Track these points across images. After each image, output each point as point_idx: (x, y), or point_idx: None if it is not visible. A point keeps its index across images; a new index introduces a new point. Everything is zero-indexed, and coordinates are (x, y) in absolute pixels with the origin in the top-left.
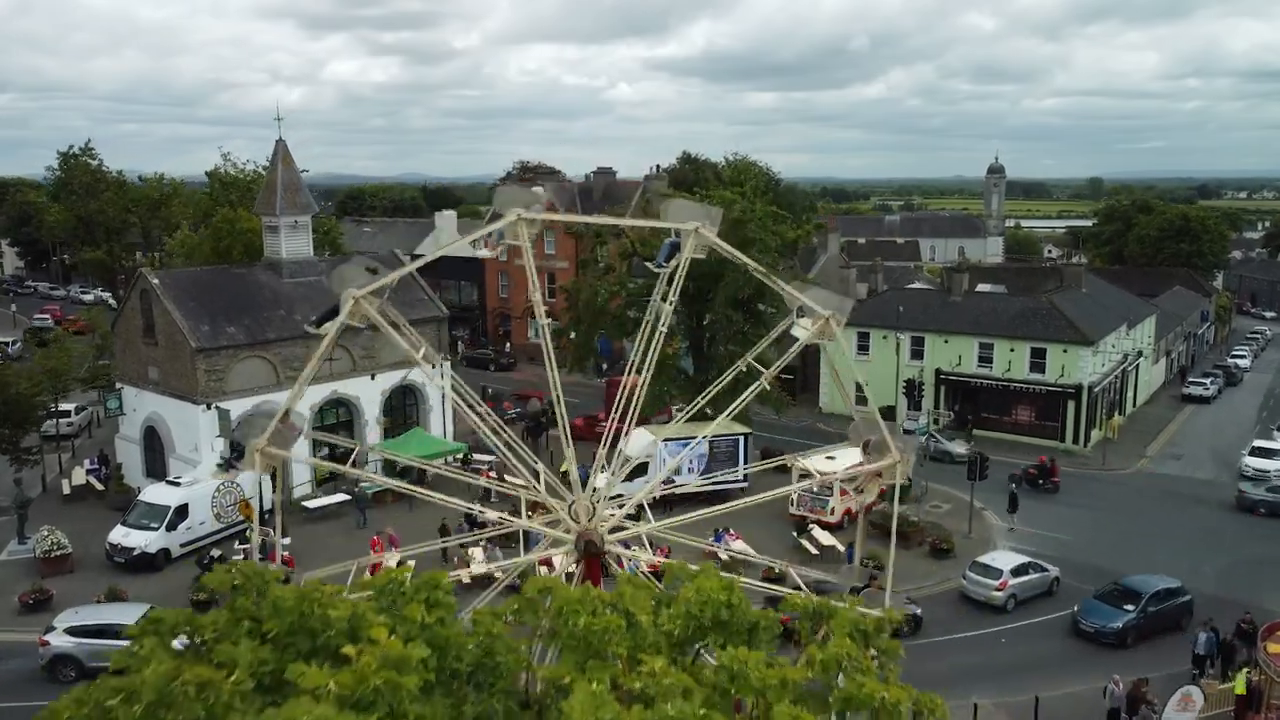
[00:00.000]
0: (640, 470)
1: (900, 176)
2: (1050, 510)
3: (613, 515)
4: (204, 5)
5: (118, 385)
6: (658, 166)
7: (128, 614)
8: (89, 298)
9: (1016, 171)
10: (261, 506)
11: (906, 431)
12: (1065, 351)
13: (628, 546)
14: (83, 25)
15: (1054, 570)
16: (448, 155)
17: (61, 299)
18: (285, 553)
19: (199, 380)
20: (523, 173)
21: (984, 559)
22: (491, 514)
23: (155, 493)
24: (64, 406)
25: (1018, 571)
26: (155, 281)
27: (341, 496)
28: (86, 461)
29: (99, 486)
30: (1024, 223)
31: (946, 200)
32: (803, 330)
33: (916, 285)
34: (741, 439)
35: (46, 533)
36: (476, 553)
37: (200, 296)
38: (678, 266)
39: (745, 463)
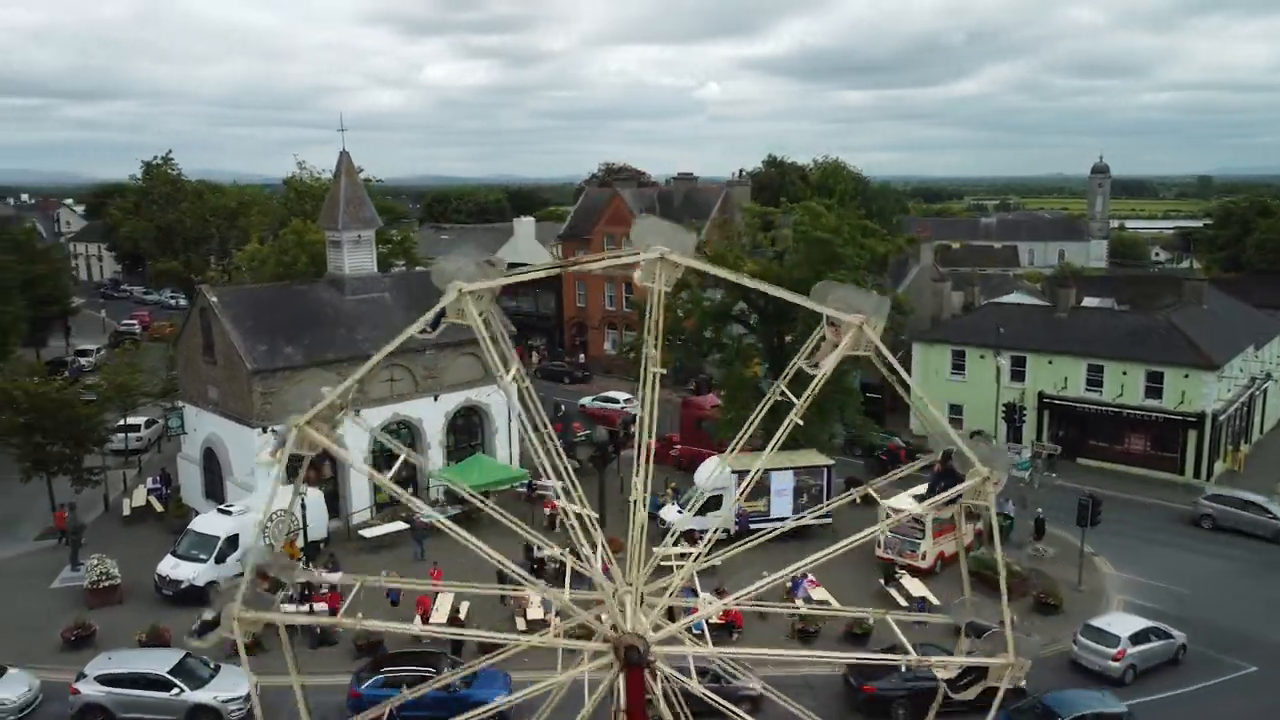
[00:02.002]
0: (713, 503)
1: (996, 175)
2: (1165, 556)
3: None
4: (308, 12)
5: (179, 403)
6: (741, 170)
7: (161, 662)
8: (178, 303)
9: (1120, 169)
10: (307, 538)
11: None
12: (1186, 376)
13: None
14: (196, 33)
15: (1180, 636)
16: (540, 156)
17: (153, 304)
18: (333, 589)
19: (254, 403)
20: (607, 174)
21: (1099, 622)
22: (552, 550)
23: (205, 522)
24: (133, 420)
25: (1138, 638)
26: (214, 299)
27: (400, 525)
28: (149, 480)
29: (159, 508)
30: (1128, 223)
31: (1045, 200)
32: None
33: (1015, 297)
34: (825, 471)
35: (96, 561)
36: (534, 595)
37: (259, 315)
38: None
39: (829, 496)
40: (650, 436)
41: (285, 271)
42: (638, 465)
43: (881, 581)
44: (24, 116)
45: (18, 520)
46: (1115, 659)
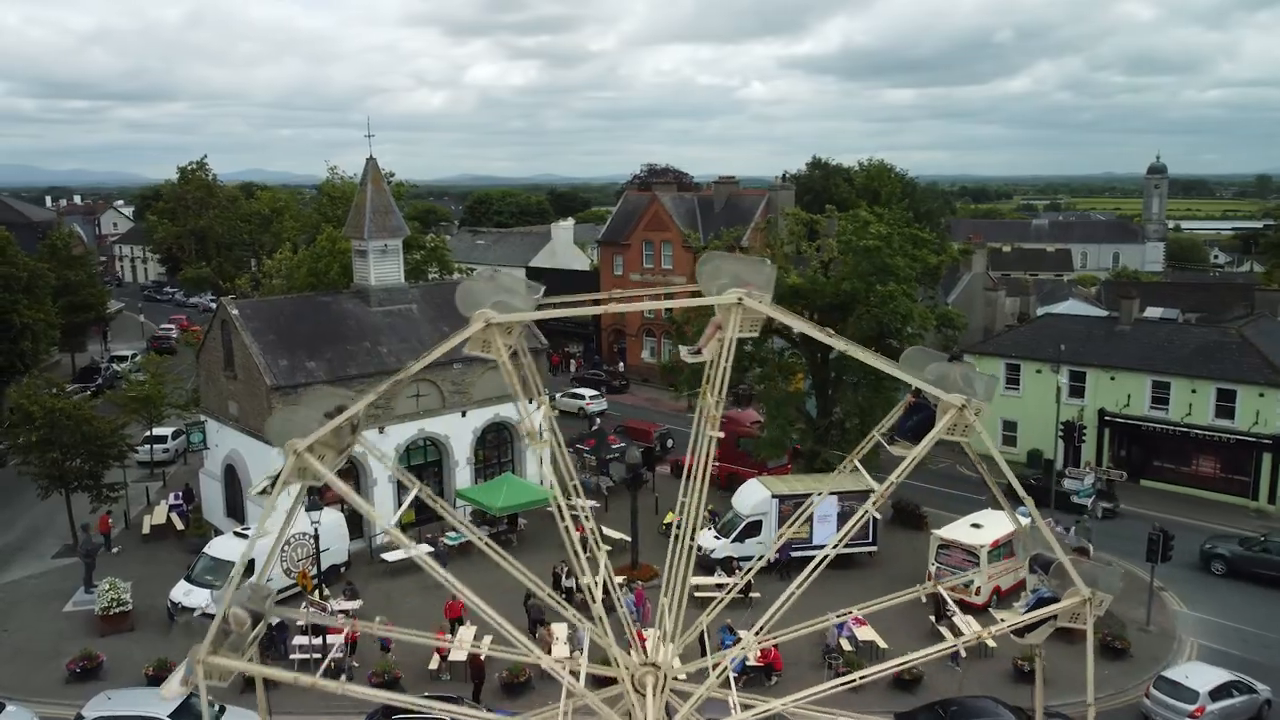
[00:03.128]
0: (752, 530)
1: (1045, 174)
2: (1240, 592)
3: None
4: (357, 14)
5: (202, 417)
6: (785, 174)
7: (164, 703)
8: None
9: (1175, 168)
10: (320, 568)
11: (1068, 493)
12: (1261, 395)
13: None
14: (247, 36)
15: (1264, 690)
16: (582, 156)
17: (193, 307)
18: (353, 622)
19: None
20: (648, 176)
21: (1174, 674)
22: (583, 580)
23: (221, 546)
24: (160, 431)
25: (1218, 693)
26: (234, 312)
27: (425, 548)
28: (171, 496)
29: (179, 526)
30: (1184, 224)
31: (1096, 200)
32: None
33: (1070, 304)
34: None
35: (108, 586)
36: (559, 630)
37: (281, 329)
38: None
39: (875, 523)
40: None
41: (318, 280)
42: (596, 560)
43: (932, 619)
44: (80, 119)
45: (38, 536)
46: (1193, 716)
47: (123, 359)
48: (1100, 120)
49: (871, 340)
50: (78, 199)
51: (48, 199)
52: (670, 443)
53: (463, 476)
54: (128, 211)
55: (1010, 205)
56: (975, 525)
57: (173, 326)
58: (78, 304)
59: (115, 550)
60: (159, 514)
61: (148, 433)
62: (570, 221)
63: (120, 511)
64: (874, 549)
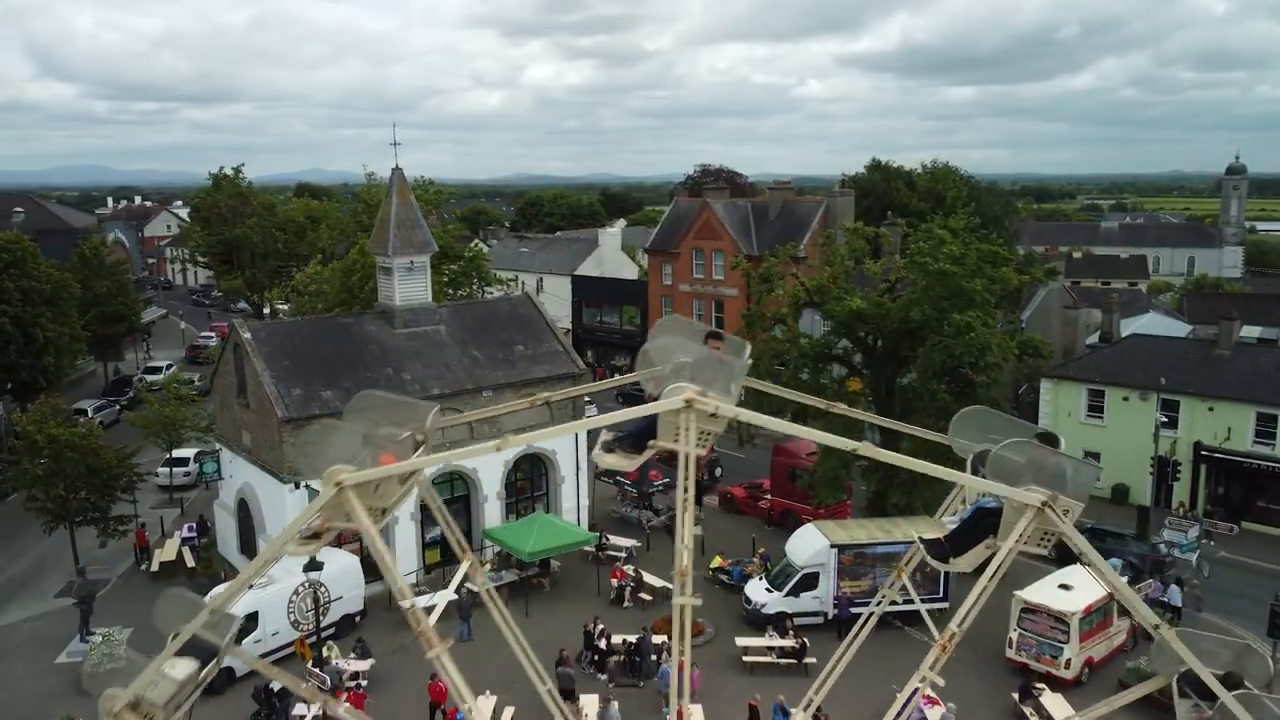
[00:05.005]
0: (808, 582)
1: (1110, 172)
2: None
3: None
4: (419, 16)
5: (217, 446)
6: (843, 179)
7: None
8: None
9: (1249, 166)
10: (319, 626)
11: (1167, 545)
12: None
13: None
14: (310, 39)
15: None
16: (636, 155)
17: (236, 314)
18: (358, 686)
19: (286, 454)
20: (702, 177)
21: None
22: (617, 638)
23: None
24: (181, 453)
25: None
26: (247, 336)
27: (449, 595)
28: (185, 528)
29: (190, 563)
30: (1259, 225)
31: (1164, 199)
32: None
33: (1150, 318)
34: (942, 544)
35: (101, 639)
36: (589, 703)
37: (296, 354)
38: None
39: (948, 576)
40: None
41: (350, 295)
42: None
43: (1015, 696)
44: (148, 120)
45: (44, 571)
46: None
47: (157, 369)
48: (1168, 117)
49: (944, 372)
50: (138, 199)
51: (109, 199)
52: (720, 470)
53: (492, 512)
54: (183, 213)
55: (1074, 205)
56: (1064, 586)
57: (213, 335)
58: (109, 314)
59: (143, 567)
60: (169, 549)
61: (167, 455)
62: (619, 227)
63: (129, 545)
64: (945, 605)
